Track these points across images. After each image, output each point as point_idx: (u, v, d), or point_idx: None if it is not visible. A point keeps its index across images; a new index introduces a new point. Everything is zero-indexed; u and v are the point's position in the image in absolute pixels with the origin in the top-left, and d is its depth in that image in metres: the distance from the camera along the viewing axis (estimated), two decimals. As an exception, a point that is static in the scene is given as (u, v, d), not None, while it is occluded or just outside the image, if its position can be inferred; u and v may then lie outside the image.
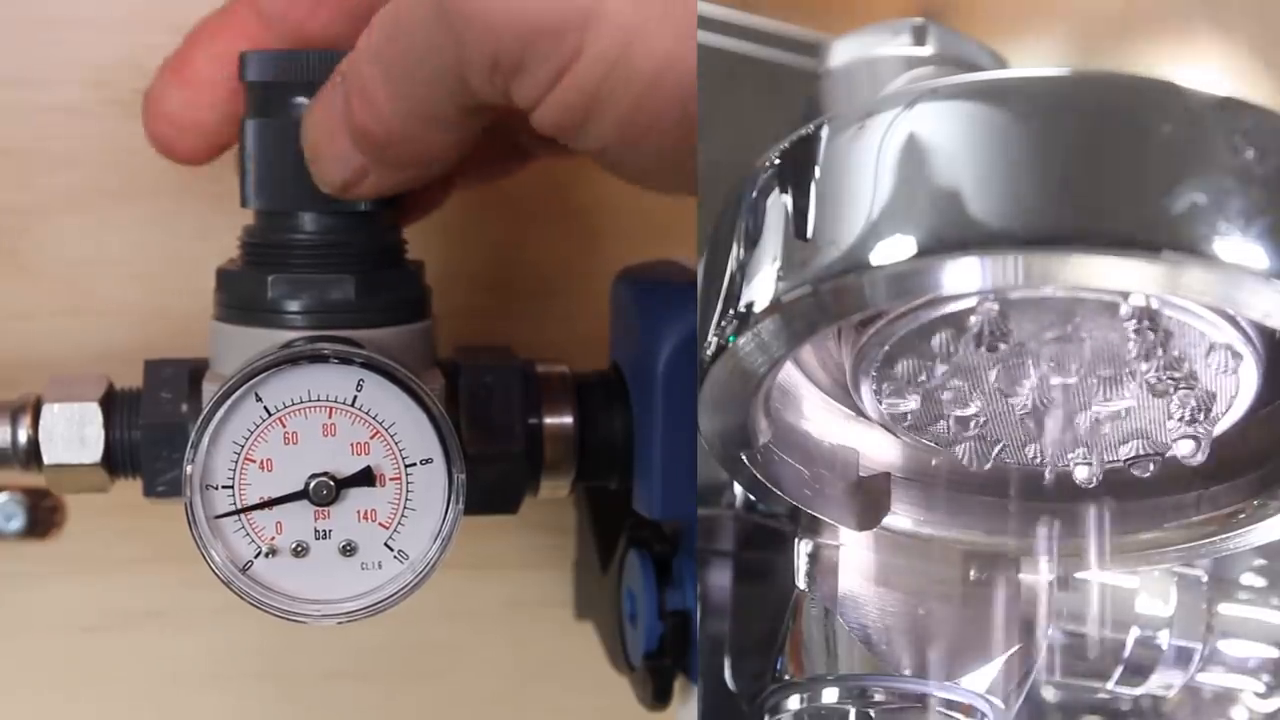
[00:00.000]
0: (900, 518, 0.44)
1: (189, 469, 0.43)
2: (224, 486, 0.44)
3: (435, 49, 0.41)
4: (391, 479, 0.44)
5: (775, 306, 0.36)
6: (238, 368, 0.44)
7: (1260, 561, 0.52)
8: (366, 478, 0.44)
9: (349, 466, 0.44)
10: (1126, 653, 0.51)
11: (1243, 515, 0.42)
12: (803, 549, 0.46)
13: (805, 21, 0.52)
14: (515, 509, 0.50)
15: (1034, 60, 0.55)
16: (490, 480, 0.48)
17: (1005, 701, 0.45)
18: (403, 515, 0.44)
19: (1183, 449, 0.40)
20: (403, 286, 0.47)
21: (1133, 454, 0.42)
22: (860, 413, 0.43)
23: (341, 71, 0.44)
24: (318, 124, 0.45)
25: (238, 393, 0.43)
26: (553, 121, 0.42)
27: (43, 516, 0.58)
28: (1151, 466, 0.41)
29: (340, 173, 0.45)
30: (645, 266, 0.53)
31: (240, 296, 0.47)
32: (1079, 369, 0.39)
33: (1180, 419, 0.40)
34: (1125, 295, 0.36)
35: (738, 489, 0.49)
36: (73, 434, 0.48)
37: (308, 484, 0.44)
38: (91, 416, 0.48)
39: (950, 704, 0.44)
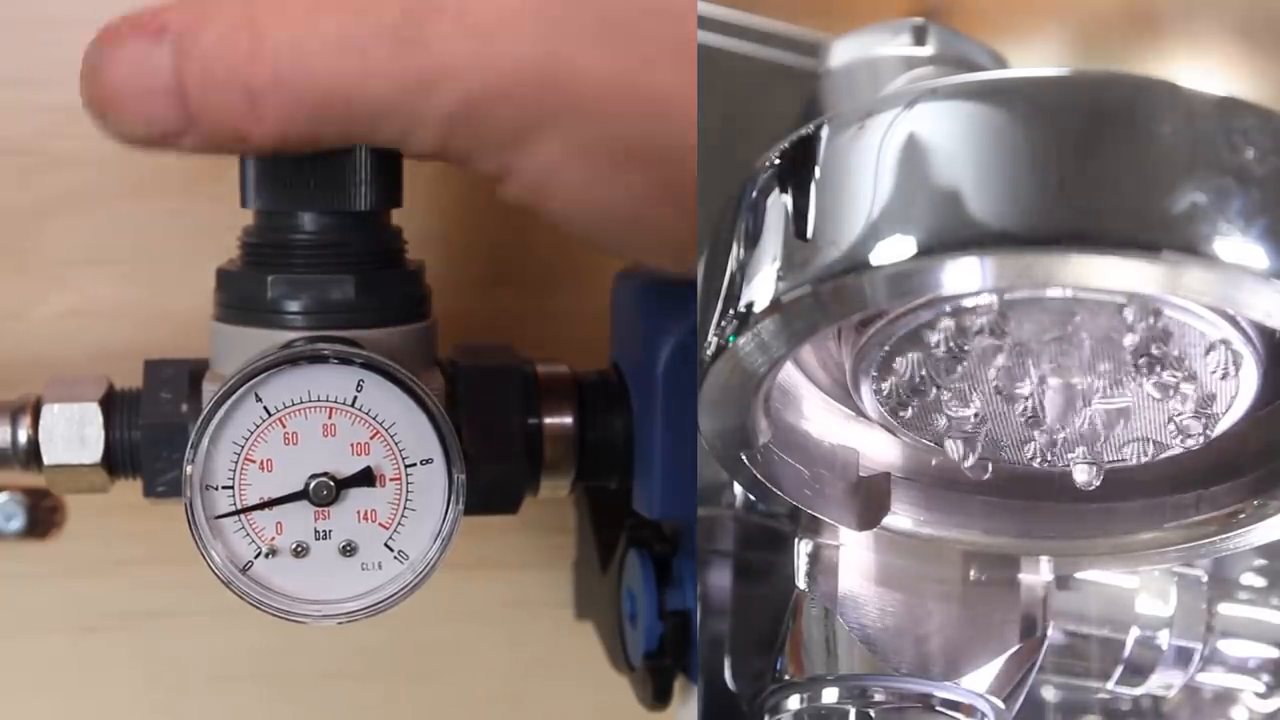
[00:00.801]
0: (900, 518, 0.44)
1: (189, 469, 0.43)
2: (224, 487, 0.44)
3: (381, 116, 0.42)
4: (391, 479, 0.44)
5: (775, 306, 0.36)
6: (238, 368, 0.44)
7: (1260, 561, 0.53)
8: (366, 478, 0.44)
9: (349, 467, 0.44)
10: (1126, 653, 0.51)
11: (1243, 515, 0.42)
12: (803, 549, 0.46)
13: (805, 21, 0.52)
14: (515, 509, 0.50)
15: (1034, 60, 0.55)
16: (490, 480, 0.48)
17: (1005, 701, 0.45)
18: (403, 515, 0.44)
19: (1182, 449, 0.40)
20: (403, 286, 0.47)
21: (1133, 455, 0.42)
22: (860, 413, 0.43)
23: (163, 25, 0.43)
24: (126, 76, 0.43)
25: (238, 393, 0.43)
26: (508, 199, 0.44)
27: (43, 516, 0.58)
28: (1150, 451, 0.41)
29: (142, 129, 0.43)
30: (645, 266, 0.53)
31: (240, 297, 0.47)
32: (1079, 369, 0.39)
33: (1180, 419, 0.40)
34: (1125, 295, 0.36)
35: (738, 489, 0.49)
36: (73, 434, 0.48)
37: (308, 484, 0.44)
38: (91, 417, 0.48)
39: (950, 704, 0.44)
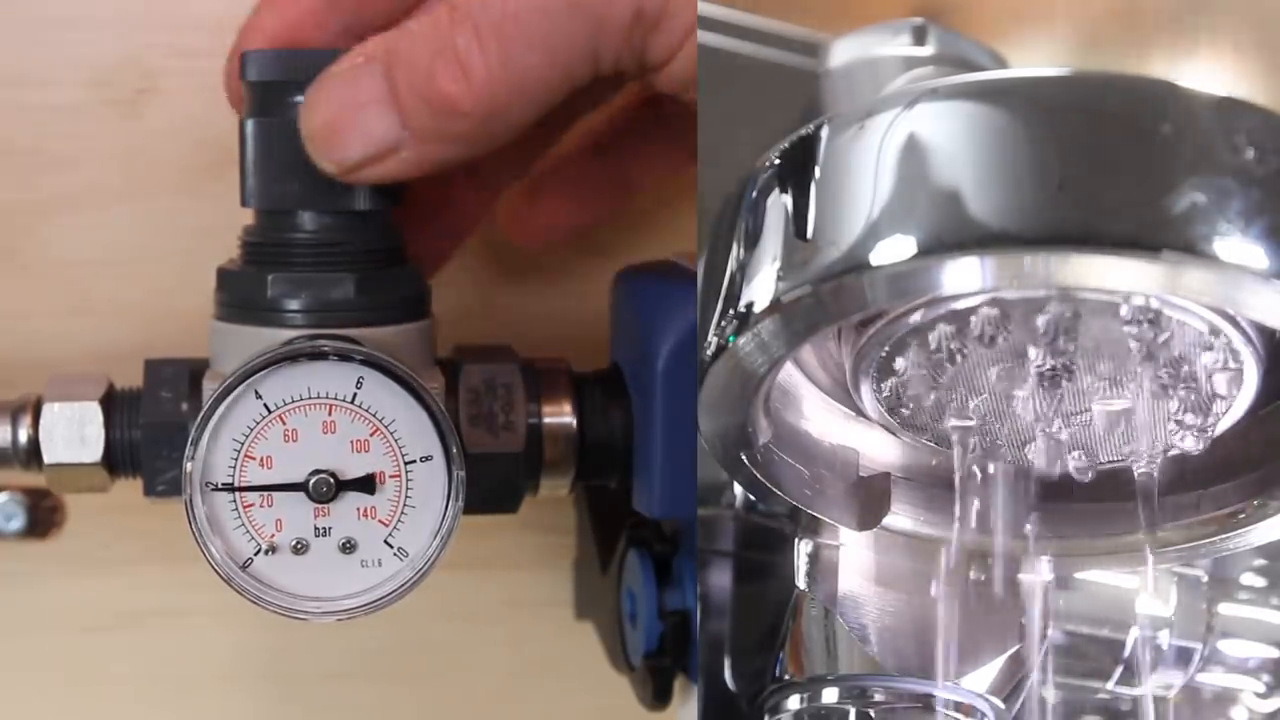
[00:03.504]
0: (900, 518, 0.44)
1: (189, 466, 0.43)
2: (224, 484, 0.44)
3: (572, 10, 0.43)
4: (391, 476, 0.44)
5: (775, 306, 0.36)
6: (238, 366, 0.44)
7: (1260, 561, 0.53)
8: (367, 485, 0.44)
9: (349, 463, 0.44)
10: (1126, 653, 0.51)
11: (1243, 515, 0.42)
12: (803, 549, 0.46)
13: (805, 21, 0.52)
14: (515, 508, 0.50)
15: (1034, 60, 0.55)
16: (490, 479, 0.48)
17: (1005, 701, 0.45)
18: (402, 512, 0.44)
19: (1183, 449, 0.40)
20: (403, 285, 0.47)
21: (1133, 455, 0.42)
22: (860, 413, 0.43)
23: (370, 53, 0.44)
24: (337, 99, 0.44)
25: (238, 390, 0.43)
26: (681, 75, 0.44)
27: (43, 516, 0.58)
28: (1155, 469, 0.41)
29: (362, 150, 0.44)
30: (645, 266, 0.53)
31: (240, 296, 0.47)
32: (1079, 369, 0.39)
33: (1180, 419, 0.40)
34: (1125, 295, 0.36)
35: (738, 489, 0.49)
36: (73, 433, 0.48)
37: (308, 479, 0.44)
38: (91, 416, 0.48)
39: (950, 704, 0.44)
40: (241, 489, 0.44)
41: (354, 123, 0.44)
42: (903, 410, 0.41)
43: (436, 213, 0.52)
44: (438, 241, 0.53)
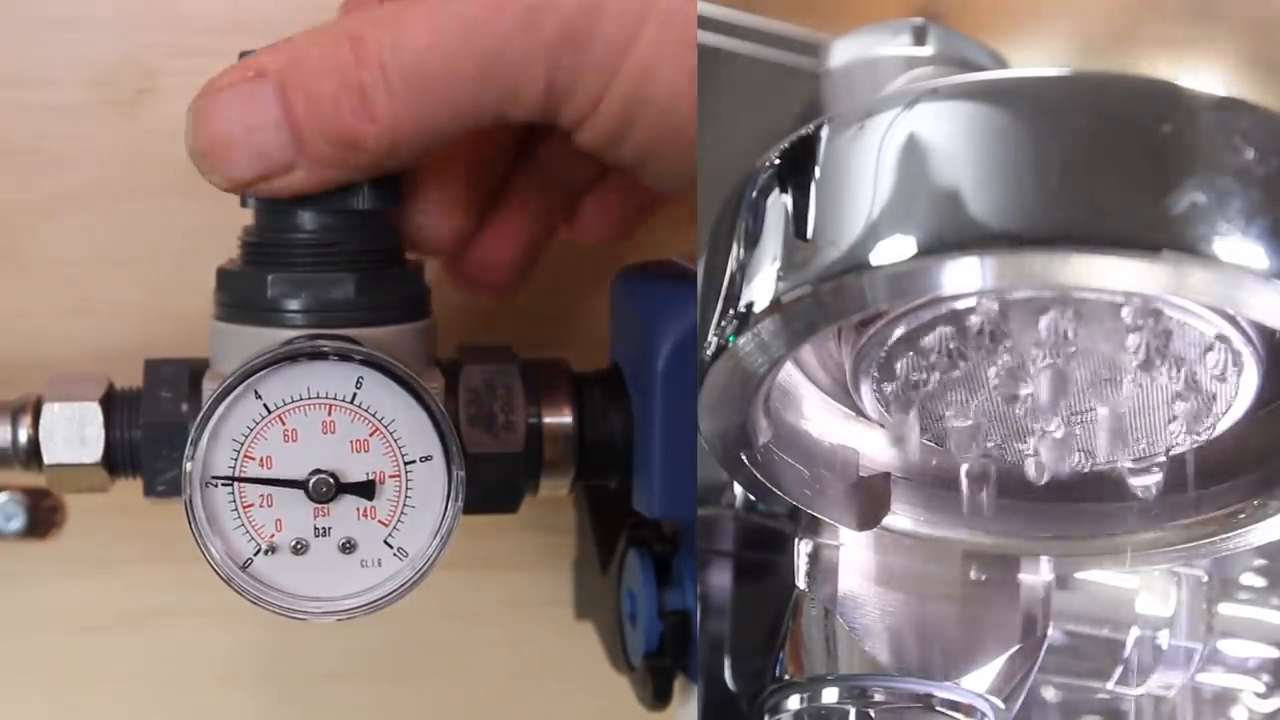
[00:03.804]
0: (900, 518, 0.44)
1: (189, 466, 0.43)
2: (223, 484, 0.44)
3: (482, 80, 0.43)
4: (391, 476, 0.44)
5: (775, 306, 0.36)
6: (238, 366, 0.44)
7: (1260, 561, 0.52)
8: (367, 490, 0.44)
9: (349, 463, 0.44)
10: (1126, 653, 0.51)
11: (1243, 515, 0.42)
12: (803, 549, 0.46)
13: (805, 21, 0.52)
14: (515, 508, 0.50)
15: (1034, 60, 0.55)
16: (490, 479, 0.48)
17: (1005, 701, 0.45)
18: (402, 512, 0.44)
19: (1183, 450, 0.40)
20: (403, 285, 0.47)
21: (1133, 456, 0.42)
22: (860, 413, 0.43)
23: (260, 68, 0.44)
24: (227, 117, 0.44)
25: (237, 390, 0.43)
26: (593, 140, 0.45)
27: (43, 516, 0.58)
28: (1157, 477, 0.41)
29: (252, 169, 0.44)
30: (645, 266, 0.53)
31: (240, 296, 0.47)
32: (1079, 370, 0.39)
33: (1180, 419, 0.40)
34: (1125, 295, 0.36)
35: (738, 489, 0.49)
36: (73, 433, 0.48)
37: (308, 478, 0.44)
38: (91, 416, 0.48)
39: (950, 704, 0.44)
40: (241, 480, 0.44)
41: (245, 142, 0.44)
42: (902, 410, 0.41)
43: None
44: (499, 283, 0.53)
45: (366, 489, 0.44)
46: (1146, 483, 0.41)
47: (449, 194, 0.50)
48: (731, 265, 0.38)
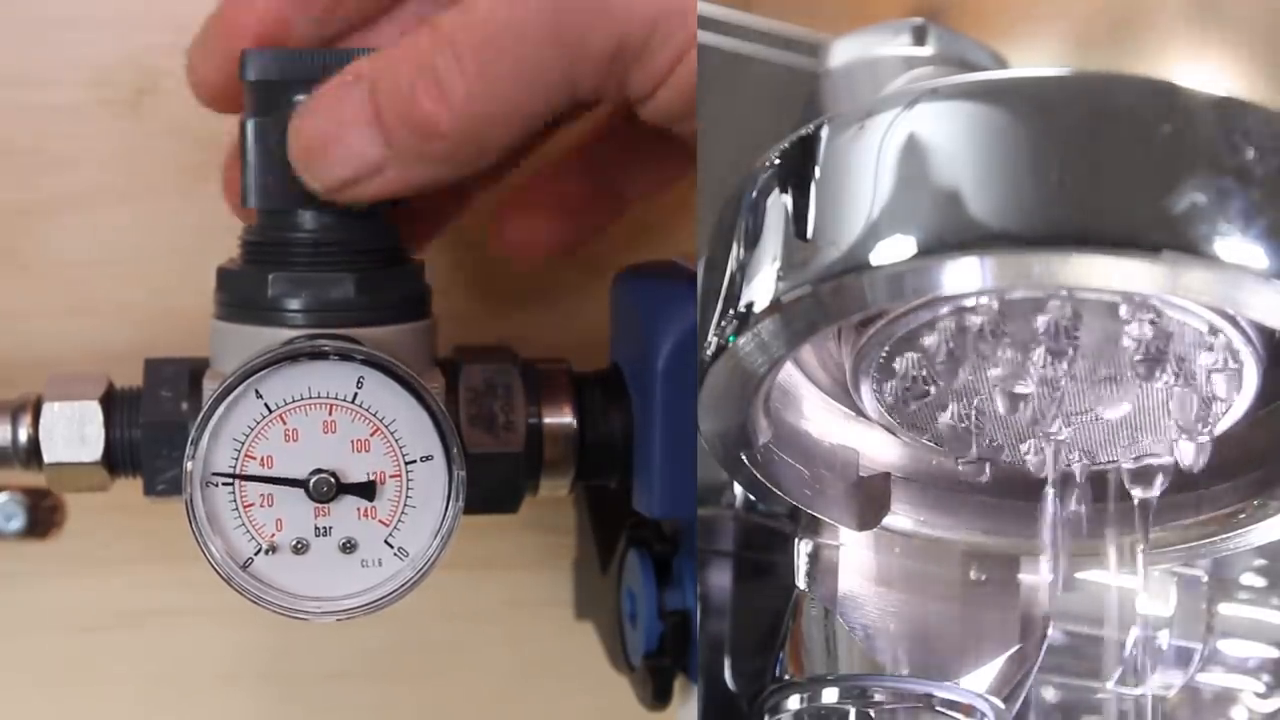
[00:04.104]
0: (900, 518, 0.44)
1: (189, 465, 0.43)
2: (224, 483, 0.44)
3: (552, 39, 0.43)
4: (391, 476, 0.44)
5: (775, 306, 0.36)
6: (238, 366, 0.44)
7: (1260, 561, 0.52)
8: (368, 491, 0.44)
9: (349, 463, 0.44)
10: (1126, 653, 0.51)
11: (1243, 515, 0.42)
12: (803, 549, 0.46)
13: (805, 21, 0.52)
14: (515, 508, 0.50)
15: (1034, 60, 0.55)
16: (490, 479, 0.48)
17: (1005, 701, 0.45)
18: (403, 512, 0.44)
19: (1183, 450, 0.40)
20: (403, 285, 0.47)
21: (1133, 456, 0.42)
22: (860, 413, 0.43)
23: (358, 72, 0.44)
24: (323, 118, 0.45)
25: (238, 389, 0.43)
26: (667, 108, 0.44)
27: (43, 516, 0.58)
28: (1160, 480, 0.41)
29: (347, 169, 0.45)
30: (645, 266, 0.53)
31: (241, 295, 0.47)
32: (1079, 370, 0.39)
33: (1180, 420, 0.40)
34: (1125, 295, 0.36)
35: (738, 489, 0.49)
36: (73, 433, 0.48)
37: (309, 478, 0.44)
38: (91, 415, 0.48)
39: (950, 704, 0.44)
40: (242, 478, 0.44)
41: (340, 142, 0.44)
42: (903, 410, 0.41)
43: (410, 210, 0.52)
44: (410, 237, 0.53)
45: (367, 490, 0.44)
46: (1147, 491, 0.41)
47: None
48: (731, 265, 0.38)
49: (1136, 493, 0.42)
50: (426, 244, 0.53)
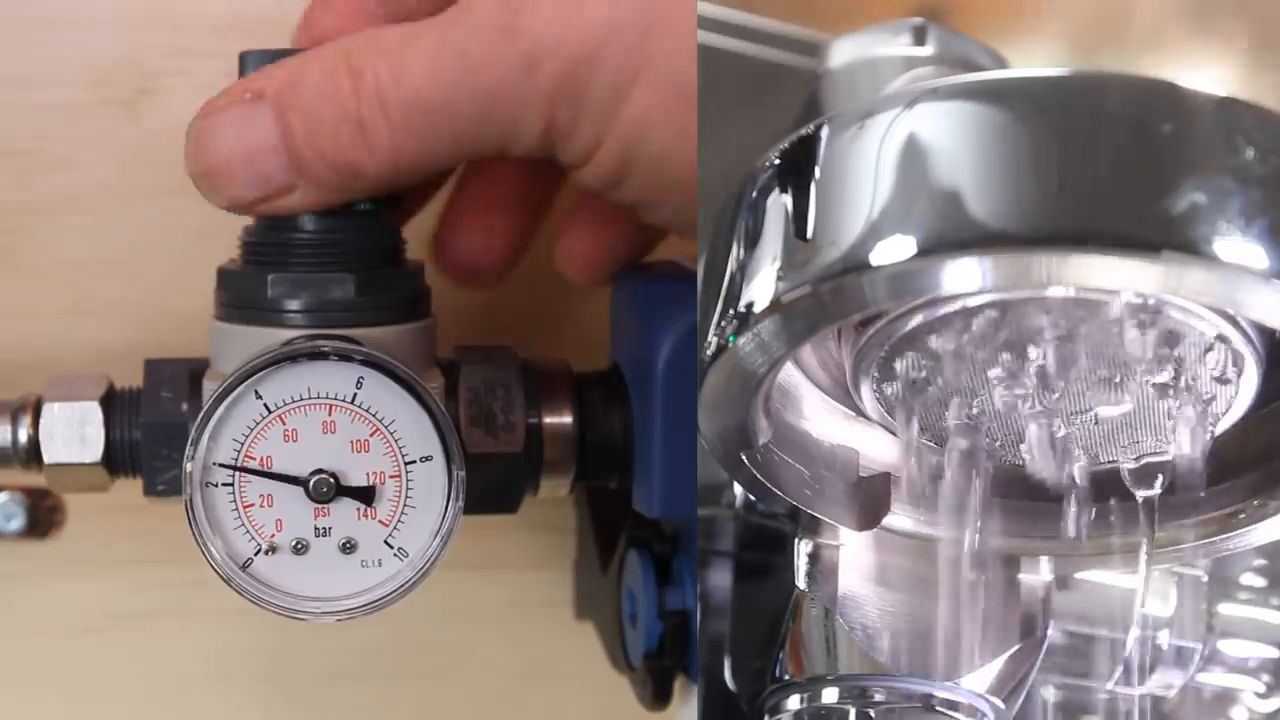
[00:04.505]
0: (900, 518, 0.44)
1: (189, 466, 0.43)
2: (224, 484, 0.44)
3: (481, 119, 0.43)
4: (391, 477, 0.44)
5: (775, 306, 0.36)
6: (238, 366, 0.44)
7: (1260, 561, 0.52)
8: (367, 495, 0.44)
9: (349, 463, 0.44)
10: (1126, 653, 0.51)
11: (1243, 515, 0.42)
12: (803, 549, 0.46)
13: (805, 21, 0.52)
14: (515, 509, 0.50)
15: (1034, 60, 0.55)
16: (490, 480, 0.48)
17: (1005, 701, 0.45)
18: (403, 513, 0.44)
19: (1182, 450, 0.40)
20: (403, 285, 0.47)
21: (1133, 456, 0.42)
22: (860, 413, 0.43)
23: (257, 91, 0.44)
24: (226, 140, 0.45)
25: (238, 390, 0.43)
26: (593, 182, 0.45)
27: (43, 516, 0.58)
28: (1160, 480, 0.41)
29: (254, 192, 0.45)
30: (645, 266, 0.53)
31: (240, 295, 0.47)
32: (1079, 370, 0.39)
33: (1180, 420, 0.40)
34: (1125, 295, 0.36)
35: (738, 489, 0.49)
36: (73, 433, 0.48)
37: (309, 478, 0.44)
38: (91, 416, 0.48)
39: (950, 704, 0.44)
40: (244, 470, 0.44)
41: (246, 165, 0.45)
42: (903, 410, 0.41)
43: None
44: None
45: (366, 494, 0.44)
46: (1148, 491, 0.41)
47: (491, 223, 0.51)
48: (731, 265, 0.38)
49: (1137, 492, 0.42)
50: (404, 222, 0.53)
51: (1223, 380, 0.39)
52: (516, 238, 0.53)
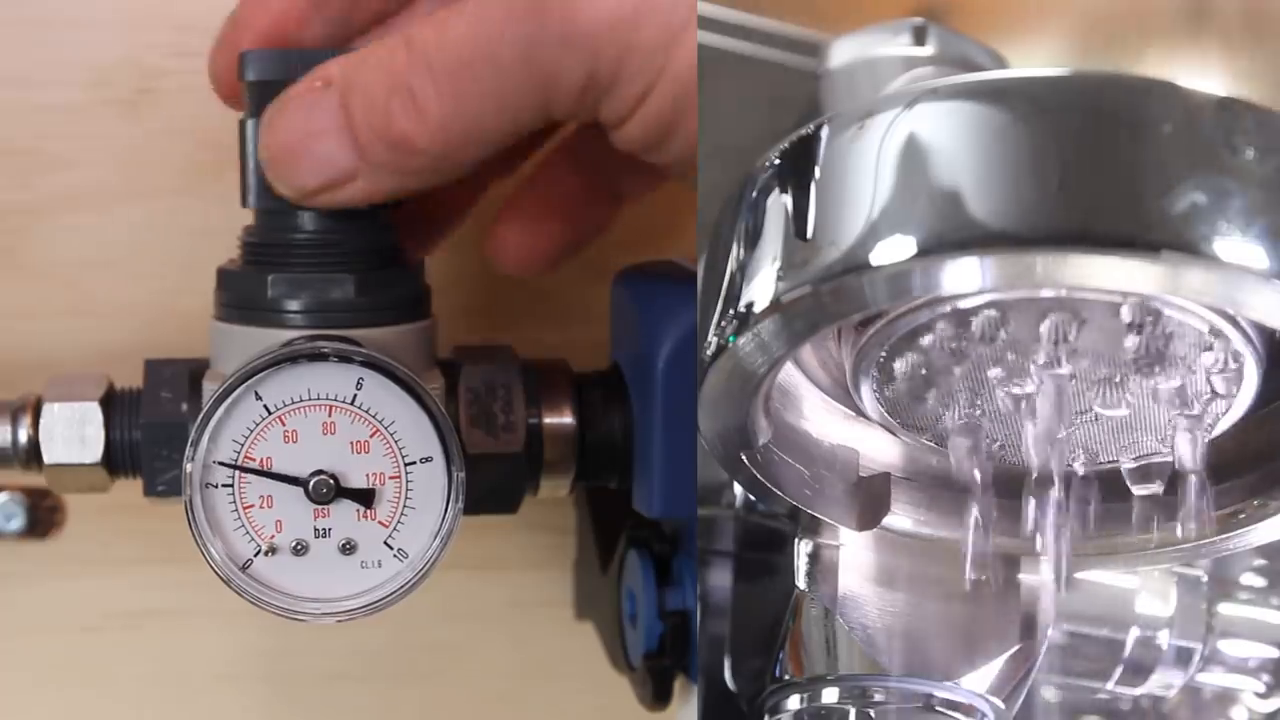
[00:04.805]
0: (900, 518, 0.44)
1: (189, 467, 0.43)
2: (224, 485, 0.44)
3: (524, 67, 0.43)
4: (391, 477, 0.44)
5: (775, 306, 0.36)
6: (238, 367, 0.44)
7: (1260, 561, 0.53)
8: (367, 498, 0.44)
9: (349, 464, 0.44)
10: (1126, 653, 0.51)
11: (1243, 515, 0.42)
12: (803, 549, 0.46)
13: (805, 21, 0.52)
14: (515, 509, 0.50)
15: (1034, 60, 0.55)
16: (490, 480, 0.48)
17: (1005, 701, 0.45)
18: (402, 513, 0.44)
19: (1182, 450, 0.40)
20: (402, 286, 0.47)
21: (1133, 456, 0.42)
22: (860, 413, 0.43)
23: (328, 78, 0.45)
24: (295, 125, 0.45)
25: (238, 391, 0.43)
26: (638, 138, 0.44)
27: (43, 516, 0.58)
28: (1160, 480, 0.41)
29: (318, 177, 0.45)
30: (645, 266, 0.53)
31: (240, 296, 0.47)
32: (1079, 370, 0.39)
33: (1180, 420, 0.40)
34: (1125, 295, 0.36)
35: (738, 489, 0.49)
36: (73, 433, 0.48)
37: (309, 478, 0.44)
38: (91, 416, 0.48)
39: (950, 704, 0.44)
40: (243, 469, 0.44)
41: (311, 150, 0.45)
42: (903, 410, 0.41)
43: (420, 209, 0.52)
44: (418, 238, 0.53)
45: (366, 496, 0.44)
46: (1149, 489, 0.41)
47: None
48: (731, 265, 0.38)
49: (1137, 492, 0.42)
50: (433, 248, 0.53)
51: (1222, 380, 0.39)
52: (563, 247, 0.53)
